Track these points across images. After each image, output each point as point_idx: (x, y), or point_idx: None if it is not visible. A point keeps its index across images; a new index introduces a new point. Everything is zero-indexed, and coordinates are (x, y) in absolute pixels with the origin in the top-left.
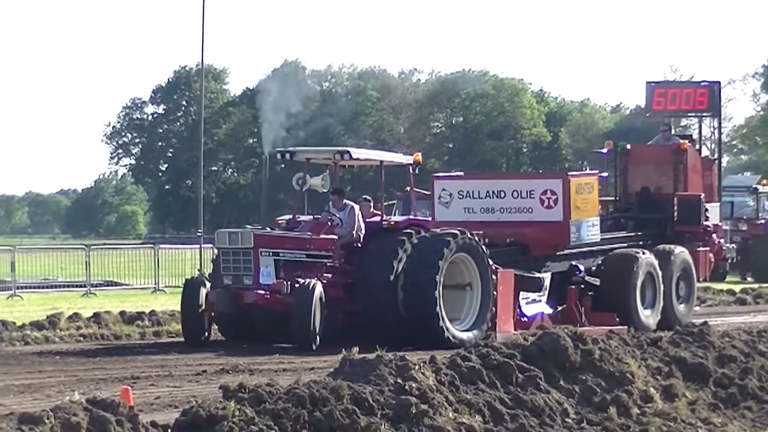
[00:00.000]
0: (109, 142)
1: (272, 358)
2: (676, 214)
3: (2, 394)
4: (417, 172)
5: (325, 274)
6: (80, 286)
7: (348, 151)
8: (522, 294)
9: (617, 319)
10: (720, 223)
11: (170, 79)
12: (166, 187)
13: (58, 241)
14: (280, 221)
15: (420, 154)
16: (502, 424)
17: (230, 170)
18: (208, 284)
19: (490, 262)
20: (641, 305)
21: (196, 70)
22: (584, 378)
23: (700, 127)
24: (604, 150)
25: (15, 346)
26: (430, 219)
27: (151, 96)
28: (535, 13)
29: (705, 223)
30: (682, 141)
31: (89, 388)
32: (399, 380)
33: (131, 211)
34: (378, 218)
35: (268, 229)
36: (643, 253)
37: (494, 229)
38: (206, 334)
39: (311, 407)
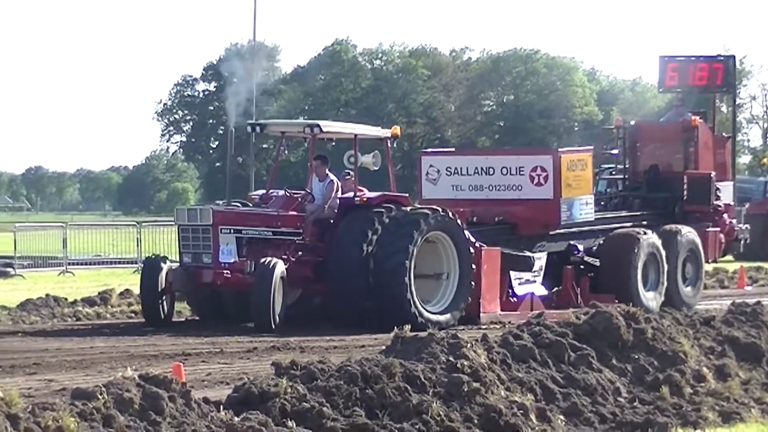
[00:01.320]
0: (160, 119)
1: (323, 336)
2: (685, 193)
3: (55, 369)
4: (395, 145)
5: (295, 253)
6: (131, 263)
7: (318, 125)
8: (515, 274)
9: (616, 301)
10: (732, 203)
11: (221, 57)
12: (217, 164)
13: (109, 218)
14: (253, 196)
15: (398, 127)
16: (554, 402)
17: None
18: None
19: (471, 240)
20: (643, 287)
21: (248, 48)
22: (636, 357)
23: (713, 104)
24: (612, 126)
25: (67, 322)
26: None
27: (202, 73)
28: None
29: (716, 202)
30: (693, 117)
31: (141, 365)
32: (451, 358)
33: (182, 189)
34: (351, 194)
35: (239, 206)
36: (645, 233)
37: (483, 207)
38: (167, 313)
39: (363, 384)
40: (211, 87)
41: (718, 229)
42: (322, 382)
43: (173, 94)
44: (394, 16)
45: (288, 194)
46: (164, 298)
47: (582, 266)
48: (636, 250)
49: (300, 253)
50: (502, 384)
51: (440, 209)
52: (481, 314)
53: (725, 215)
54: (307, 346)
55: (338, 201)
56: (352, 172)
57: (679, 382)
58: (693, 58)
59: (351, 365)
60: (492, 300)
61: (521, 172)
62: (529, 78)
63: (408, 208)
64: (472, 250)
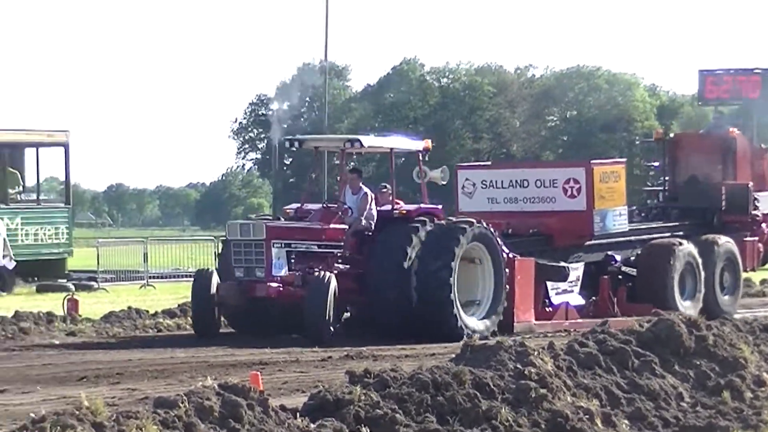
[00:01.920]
0: (235, 137)
1: (394, 346)
2: (723, 203)
3: (137, 379)
4: (427, 158)
5: (335, 265)
6: None
7: (358, 140)
8: (552, 284)
9: (654, 311)
10: None
11: (294, 77)
12: (290, 180)
13: (187, 232)
14: (288, 210)
15: (430, 140)
16: (618, 407)
17: (351, 163)
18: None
19: (505, 251)
20: (680, 296)
21: (320, 68)
22: (698, 363)
23: (753, 115)
24: (653, 139)
25: (148, 333)
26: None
27: (276, 93)
28: (648, 9)
29: (754, 212)
30: (731, 129)
31: (220, 374)
32: (518, 365)
33: (257, 204)
34: (389, 207)
35: (282, 220)
36: (682, 243)
37: (517, 219)
38: (217, 327)
39: (434, 391)
40: (285, 106)
41: (756, 238)
42: (395, 389)
43: (248, 114)
44: (461, 36)
45: (326, 208)
46: (215, 310)
47: (620, 276)
48: (672, 260)
49: (341, 265)
50: (568, 390)
51: (477, 221)
52: (515, 323)
53: (763, 225)
54: (379, 354)
55: (374, 213)
56: (388, 185)
57: (739, 387)
58: (731, 72)
59: (422, 373)
60: (526, 310)
61: (555, 185)
62: (591, 94)
63: (444, 221)
64: (506, 260)
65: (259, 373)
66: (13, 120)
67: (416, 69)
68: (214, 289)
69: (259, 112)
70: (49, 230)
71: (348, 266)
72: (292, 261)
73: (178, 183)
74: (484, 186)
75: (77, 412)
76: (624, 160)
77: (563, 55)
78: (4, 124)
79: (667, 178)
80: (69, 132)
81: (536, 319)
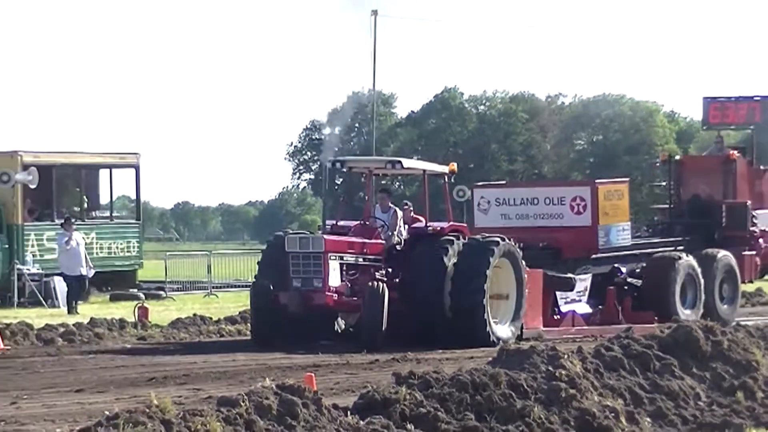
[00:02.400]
0: (291, 159)
1: (436, 350)
2: (724, 219)
3: (202, 380)
4: (452, 180)
5: (376, 276)
6: None
7: (400, 161)
8: (560, 294)
9: (656, 318)
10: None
11: (345, 104)
12: (341, 199)
13: (247, 246)
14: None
15: (455, 164)
16: (641, 406)
17: (397, 183)
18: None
19: (524, 265)
20: (681, 305)
21: (368, 96)
22: (714, 366)
23: (752, 139)
24: (659, 161)
25: (212, 338)
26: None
27: (328, 118)
28: (668, 43)
29: (752, 228)
30: (731, 152)
31: (277, 375)
32: (550, 368)
33: (311, 221)
34: (421, 223)
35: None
36: (682, 257)
37: (529, 234)
38: (276, 334)
39: (473, 392)
40: (336, 131)
41: (754, 252)
42: (437, 389)
43: (302, 137)
44: (497, 66)
45: (363, 224)
46: (274, 318)
47: (625, 287)
48: (674, 272)
49: (381, 276)
50: (595, 390)
51: (504, 237)
52: (525, 330)
53: (761, 240)
54: (422, 358)
55: (404, 230)
56: (409, 203)
57: (752, 388)
58: (733, 99)
59: (462, 375)
60: (535, 317)
61: (562, 202)
62: (616, 120)
63: (479, 236)
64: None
65: (313, 374)
66: (89, 143)
67: (456, 97)
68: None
69: (313, 136)
70: (121, 244)
71: (387, 277)
72: (343, 272)
73: (238, 201)
74: (498, 203)
75: (147, 410)
76: (627, 179)
77: (590, 84)
78: (81, 147)
79: (672, 196)
80: (140, 155)
81: (544, 326)
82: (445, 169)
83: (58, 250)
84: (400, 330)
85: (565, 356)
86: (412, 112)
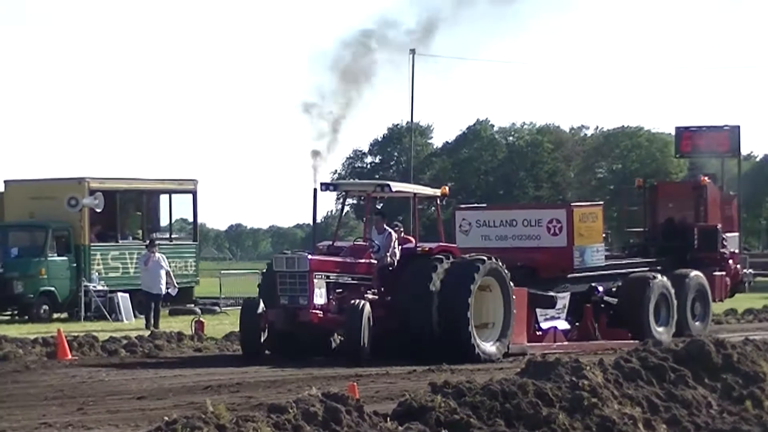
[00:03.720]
0: (448, 193)
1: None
2: (696, 242)
3: (253, 389)
4: (444, 203)
5: (366, 294)
6: None
7: (388, 185)
8: (540, 311)
9: (629, 335)
10: (737, 251)
11: (385, 135)
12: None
13: None
14: (320, 246)
15: (447, 187)
16: (658, 414)
17: (432, 208)
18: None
19: (511, 284)
20: (655, 322)
21: (406, 128)
22: (725, 377)
23: (722, 166)
24: (635, 186)
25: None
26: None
27: (370, 148)
28: (680, 80)
29: (722, 250)
30: (702, 178)
31: (322, 384)
32: (573, 378)
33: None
34: (411, 244)
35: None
36: (656, 277)
37: (507, 254)
38: (263, 348)
39: (503, 400)
40: (377, 160)
41: (724, 273)
42: (470, 398)
43: (346, 165)
44: (525, 101)
45: (355, 245)
46: (260, 334)
47: (602, 305)
48: (648, 291)
49: (371, 295)
50: (615, 399)
51: (489, 257)
52: (510, 345)
53: (731, 261)
54: (456, 368)
55: (397, 251)
56: (399, 223)
57: (759, 397)
58: (704, 129)
59: (493, 384)
60: (519, 333)
61: (539, 224)
62: (634, 150)
63: (465, 256)
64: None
65: (355, 383)
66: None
67: (487, 129)
68: (259, 316)
69: (355, 164)
70: (179, 263)
71: (376, 296)
72: (330, 291)
73: (287, 223)
74: (478, 225)
75: (203, 416)
76: (601, 203)
77: (611, 117)
78: (143, 173)
79: (647, 219)
80: (197, 181)
81: (528, 342)
82: (436, 192)
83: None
84: (390, 346)
85: (588, 368)
86: (447, 142)
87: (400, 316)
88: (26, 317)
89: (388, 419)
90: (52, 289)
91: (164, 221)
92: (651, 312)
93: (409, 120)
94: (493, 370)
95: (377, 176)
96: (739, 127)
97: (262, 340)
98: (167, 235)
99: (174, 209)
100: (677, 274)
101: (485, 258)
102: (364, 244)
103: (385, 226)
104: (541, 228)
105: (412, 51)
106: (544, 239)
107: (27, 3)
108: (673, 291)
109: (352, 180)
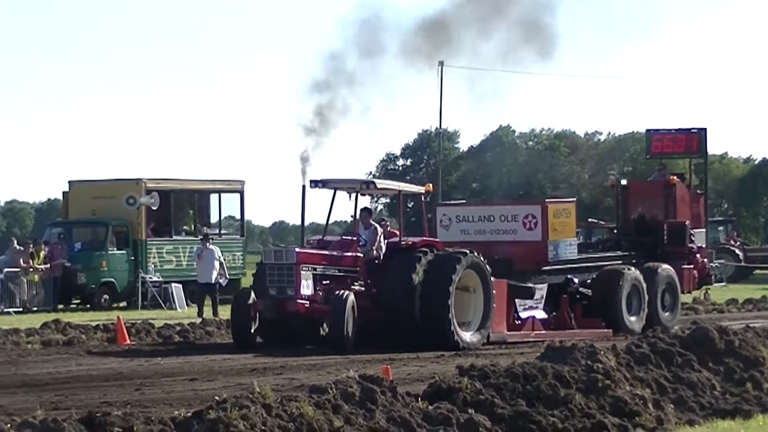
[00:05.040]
0: (432, 190)
1: (489, 347)
2: (665, 237)
3: (295, 371)
4: (428, 199)
5: (352, 286)
6: None
7: (373, 182)
8: (519, 301)
9: (603, 324)
10: (704, 246)
11: (415, 140)
12: (412, 219)
13: None
14: (311, 241)
15: (431, 184)
16: (666, 395)
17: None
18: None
19: (491, 277)
20: (627, 312)
21: (435, 133)
22: (727, 361)
23: (690, 166)
24: (608, 185)
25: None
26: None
27: (401, 152)
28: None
29: (690, 245)
30: (672, 177)
31: (359, 367)
32: (589, 362)
33: None
34: (396, 238)
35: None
36: (629, 269)
37: (485, 248)
38: (253, 337)
39: (524, 382)
40: (408, 162)
41: (692, 266)
42: (494, 380)
43: (379, 168)
44: (543, 108)
45: (343, 239)
46: (251, 323)
47: (577, 296)
48: (621, 283)
49: (357, 287)
50: (627, 381)
51: (471, 251)
52: (491, 334)
53: (698, 255)
54: (481, 353)
55: (383, 245)
56: (386, 219)
57: (759, 380)
58: (673, 131)
59: (515, 367)
60: (500, 323)
61: (516, 219)
62: (642, 154)
63: (444, 250)
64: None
65: (389, 366)
66: (202, 170)
67: (509, 134)
68: (250, 306)
69: (388, 167)
70: (228, 256)
71: (363, 288)
72: (317, 282)
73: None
74: (458, 220)
75: (251, 396)
76: (574, 199)
77: (622, 124)
78: (195, 173)
79: (619, 216)
80: (244, 181)
81: (508, 330)
82: (420, 189)
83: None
84: (375, 335)
85: (601, 352)
86: (472, 146)
87: (384, 307)
88: (88, 306)
89: (419, 399)
90: (112, 280)
91: (214, 218)
92: (623, 302)
93: (438, 126)
94: (514, 355)
95: (408, 178)
96: (705, 129)
97: (252, 330)
98: (217, 231)
99: (223, 207)
100: (648, 267)
101: (466, 252)
102: (352, 238)
103: (371, 221)
104: (517, 223)
105: (441, 63)
106: (520, 234)
107: (87, 8)
108: (644, 283)
109: (338, 177)
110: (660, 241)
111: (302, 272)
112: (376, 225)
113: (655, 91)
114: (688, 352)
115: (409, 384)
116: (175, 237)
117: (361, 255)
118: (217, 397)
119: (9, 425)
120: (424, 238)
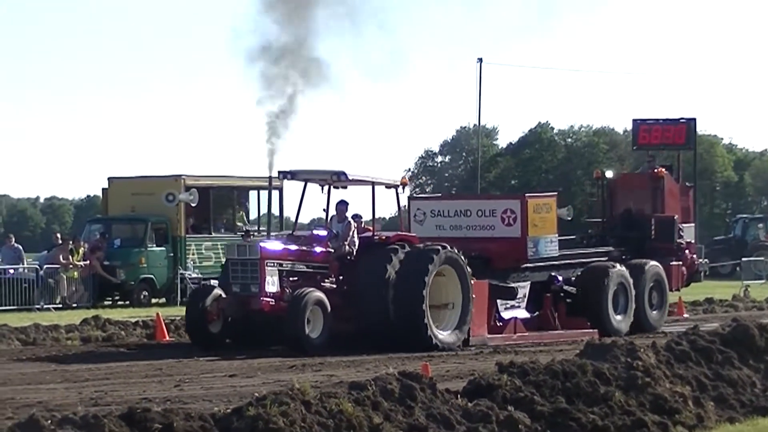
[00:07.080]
0: (408, 183)
1: (531, 344)
2: (653, 232)
3: (334, 368)
4: (404, 192)
5: (322, 284)
6: None
7: (344, 173)
8: (501, 301)
9: (588, 324)
10: (693, 241)
11: (454, 136)
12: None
13: None
14: (282, 235)
15: (407, 176)
16: (706, 392)
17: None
18: (217, 291)
19: (469, 272)
20: (613, 311)
21: (473, 130)
22: (767, 358)
23: (678, 158)
24: (594, 177)
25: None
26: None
27: (440, 148)
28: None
29: (679, 240)
30: (660, 169)
31: (398, 364)
32: (629, 359)
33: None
34: (370, 233)
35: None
36: (615, 266)
37: (461, 244)
38: (211, 335)
39: (563, 379)
40: (446, 159)
41: (681, 263)
42: (533, 377)
43: (418, 164)
44: (582, 105)
45: (314, 234)
46: (211, 322)
47: (562, 294)
48: (607, 281)
49: (328, 284)
50: (667, 378)
51: (448, 246)
52: (471, 337)
53: (687, 251)
54: (519, 350)
55: (356, 240)
56: (360, 215)
57: None
58: (661, 121)
59: (554, 365)
60: (480, 325)
61: (494, 214)
62: (681, 149)
63: (421, 245)
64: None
65: (428, 363)
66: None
67: (547, 131)
68: (209, 302)
69: (427, 163)
70: None
71: (334, 285)
72: (284, 279)
73: (364, 217)
74: (433, 215)
75: (290, 393)
76: (555, 193)
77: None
78: (236, 172)
79: (605, 210)
80: None
81: (489, 333)
82: (396, 181)
83: None
84: (346, 335)
85: (641, 350)
86: (511, 143)
87: (357, 305)
88: (128, 302)
89: (459, 396)
90: (151, 276)
91: (253, 215)
92: (609, 301)
93: (477, 123)
94: (553, 352)
95: (446, 174)
96: (695, 119)
97: (214, 328)
98: (256, 228)
99: (262, 204)
100: (635, 263)
101: (440, 247)
102: (320, 234)
103: (346, 215)
104: (495, 218)
105: (480, 60)
106: (498, 229)
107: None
108: (631, 280)
109: (308, 168)
110: (647, 237)
111: (267, 268)
112: (350, 219)
113: (694, 88)
114: (728, 350)
115: (448, 381)
116: (213, 234)
117: (332, 250)
118: (256, 394)
119: (50, 421)
120: (399, 233)
